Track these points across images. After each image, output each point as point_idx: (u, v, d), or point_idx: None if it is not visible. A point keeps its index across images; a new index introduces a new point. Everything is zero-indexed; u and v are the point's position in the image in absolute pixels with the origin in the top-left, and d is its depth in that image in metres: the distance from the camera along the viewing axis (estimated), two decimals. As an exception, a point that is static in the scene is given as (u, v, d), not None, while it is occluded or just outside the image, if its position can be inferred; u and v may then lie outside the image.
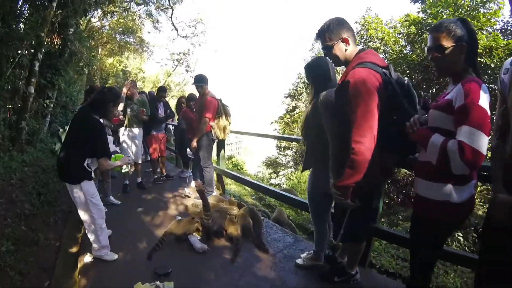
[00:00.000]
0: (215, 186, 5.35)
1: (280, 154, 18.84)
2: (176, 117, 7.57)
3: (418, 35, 10.15)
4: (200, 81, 4.87)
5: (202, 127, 4.77)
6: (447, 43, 1.63)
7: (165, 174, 6.63)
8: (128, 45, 21.72)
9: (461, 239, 5.96)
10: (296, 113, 17.04)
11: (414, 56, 10.08)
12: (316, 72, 2.70)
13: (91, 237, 3.19)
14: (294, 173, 14.44)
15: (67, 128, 3.11)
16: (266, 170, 19.45)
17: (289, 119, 17.32)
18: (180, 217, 4.14)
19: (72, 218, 4.33)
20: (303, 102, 17.44)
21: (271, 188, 4.62)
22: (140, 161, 5.77)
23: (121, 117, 5.26)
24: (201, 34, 22.16)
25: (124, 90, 5.30)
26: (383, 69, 1.98)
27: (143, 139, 5.80)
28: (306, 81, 2.89)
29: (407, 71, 10.33)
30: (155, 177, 6.34)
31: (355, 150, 1.84)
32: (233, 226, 3.67)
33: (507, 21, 9.80)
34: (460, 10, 9.28)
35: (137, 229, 4.00)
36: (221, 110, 4.89)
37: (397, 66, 10.81)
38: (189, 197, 5.35)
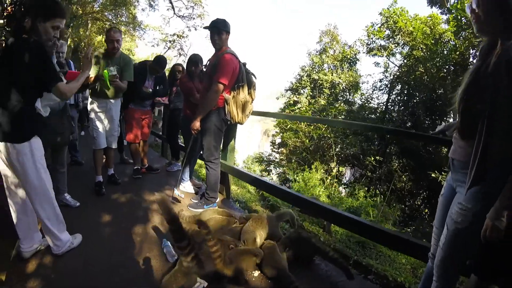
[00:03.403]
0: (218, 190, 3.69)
1: (274, 151, 17.40)
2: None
3: (459, 33, 8.90)
4: (221, 25, 3.15)
5: (211, 97, 3.08)
6: None
7: (146, 165, 4.93)
8: (120, 22, 20.28)
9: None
10: (298, 108, 15.53)
11: (457, 54, 8.81)
12: None
13: (47, 221, 2.26)
14: (290, 173, 12.77)
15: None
16: (255, 167, 18.05)
17: (289, 113, 15.86)
18: (169, 243, 2.53)
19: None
20: (306, 97, 15.94)
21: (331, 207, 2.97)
22: (114, 146, 4.09)
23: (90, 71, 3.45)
24: (198, 18, 20.52)
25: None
26: None
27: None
28: (474, 8, 1.29)
29: (445, 70, 9.14)
30: (135, 168, 4.67)
31: None
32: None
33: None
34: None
35: (98, 260, 2.38)
36: (243, 77, 3.21)
37: (426, 63, 9.77)
38: (179, 201, 3.68)
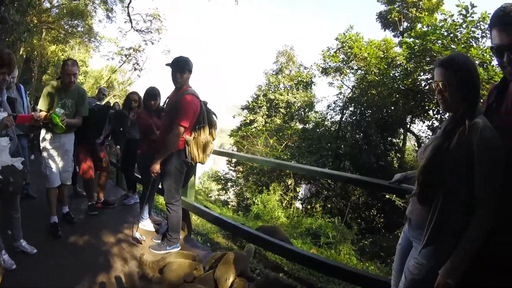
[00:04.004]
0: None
1: (231, 170, 17.41)
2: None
3: (411, 59, 9.44)
4: (184, 63, 3.16)
5: (172, 140, 3.05)
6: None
7: (102, 199, 4.76)
8: (75, 32, 19.94)
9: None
10: (254, 127, 15.70)
11: (409, 81, 9.32)
12: (471, 77, 1.46)
13: None
14: (249, 195, 12.77)
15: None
16: (212, 185, 17.91)
17: (245, 133, 15.97)
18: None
19: None
20: (262, 117, 16.19)
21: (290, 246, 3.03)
22: (68, 182, 3.91)
23: (35, 114, 3.16)
24: (156, 32, 20.31)
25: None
26: None
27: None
28: (439, 84, 1.44)
29: (397, 95, 9.62)
30: (89, 204, 4.48)
31: None
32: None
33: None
34: (456, 40, 8.48)
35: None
36: (204, 118, 3.22)
37: (380, 88, 10.50)
38: (140, 243, 3.59)
